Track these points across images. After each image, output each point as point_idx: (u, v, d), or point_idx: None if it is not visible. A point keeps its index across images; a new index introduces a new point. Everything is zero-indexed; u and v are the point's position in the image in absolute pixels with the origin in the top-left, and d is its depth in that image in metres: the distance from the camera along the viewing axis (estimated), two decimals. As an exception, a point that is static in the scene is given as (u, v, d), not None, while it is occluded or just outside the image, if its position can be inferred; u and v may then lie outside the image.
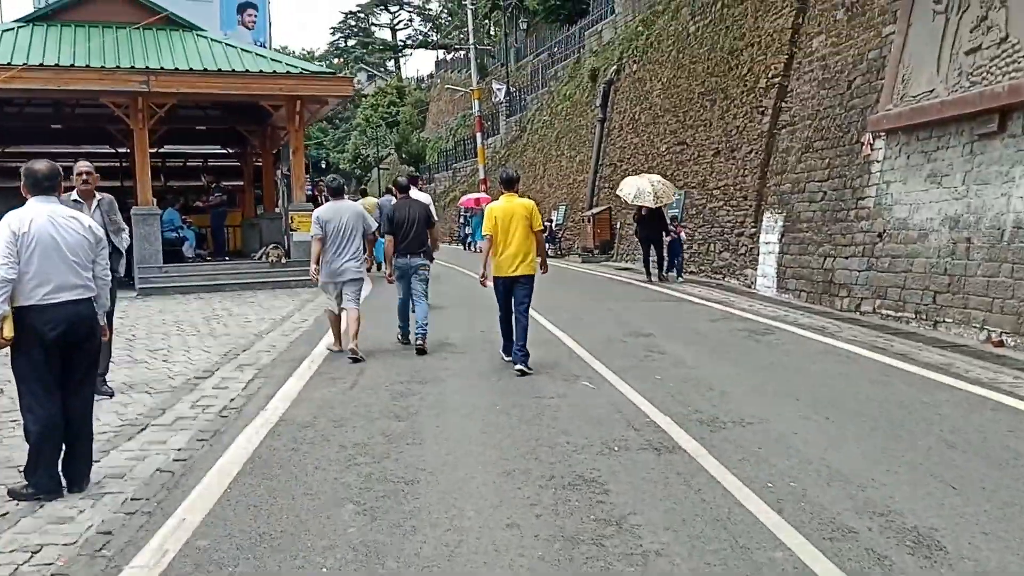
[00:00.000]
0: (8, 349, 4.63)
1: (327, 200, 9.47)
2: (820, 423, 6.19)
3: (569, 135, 28.79)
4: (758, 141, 15.71)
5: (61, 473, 4.84)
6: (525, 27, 39.99)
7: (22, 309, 4.56)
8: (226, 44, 16.49)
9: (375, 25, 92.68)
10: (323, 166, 68.41)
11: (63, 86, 14.30)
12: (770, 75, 15.64)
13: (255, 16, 25.12)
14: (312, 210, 15.89)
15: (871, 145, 12.23)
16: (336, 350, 9.25)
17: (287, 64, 16.04)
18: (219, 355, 9.29)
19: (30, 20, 16.05)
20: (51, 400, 4.66)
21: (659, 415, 6.41)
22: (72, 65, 14.50)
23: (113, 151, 21.03)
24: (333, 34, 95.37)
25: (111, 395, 7.24)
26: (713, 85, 18.17)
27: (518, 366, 8.14)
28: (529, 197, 9.98)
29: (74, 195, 6.90)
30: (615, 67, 24.92)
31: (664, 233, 16.87)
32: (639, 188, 16.63)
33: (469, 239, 30.61)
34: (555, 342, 9.85)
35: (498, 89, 37.87)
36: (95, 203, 7.14)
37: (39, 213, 4.64)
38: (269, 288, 15.65)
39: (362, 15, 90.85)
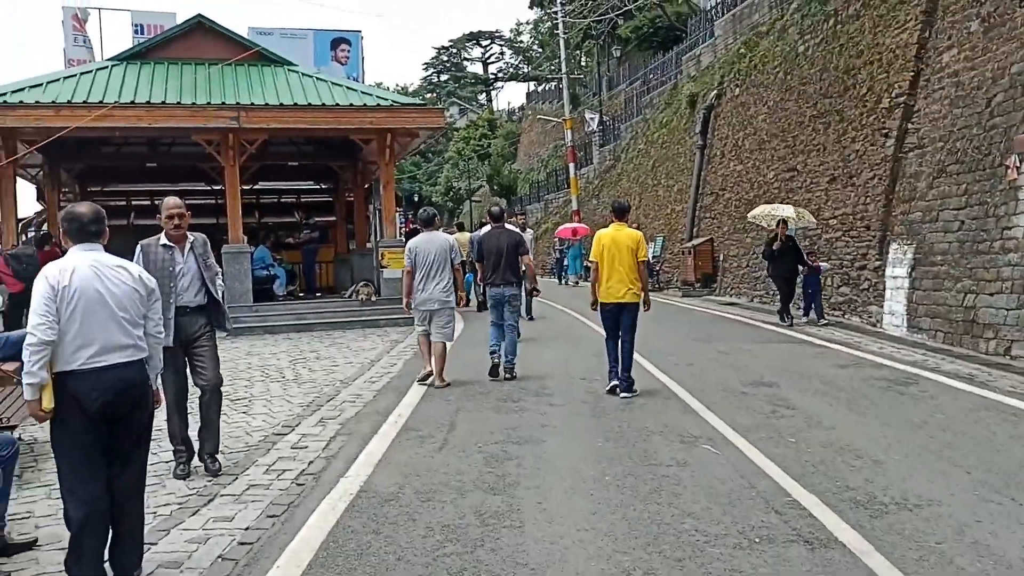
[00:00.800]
0: (48, 422, 4.00)
1: (418, 231, 9.82)
2: (1007, 507, 5.06)
3: (666, 164, 27.75)
4: (881, 166, 14.42)
5: (108, 563, 4.16)
6: (618, 55, 39.19)
7: (62, 375, 3.91)
8: (317, 78, 16.23)
9: (467, 60, 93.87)
10: (416, 200, 69.08)
11: (154, 123, 14.19)
12: (894, 94, 14.36)
13: (348, 52, 25.10)
14: (403, 245, 15.45)
15: (1018, 168, 10.88)
16: (427, 373, 9.47)
17: (377, 97, 15.64)
18: (301, 406, 8.64)
19: (124, 58, 16.10)
20: (96, 480, 3.99)
21: (802, 492, 5.38)
22: (163, 102, 14.38)
23: (208, 188, 21.10)
24: (426, 70, 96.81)
25: (217, 472, 6.20)
26: (827, 107, 16.93)
27: (623, 394, 8.57)
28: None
29: (162, 239, 6.03)
30: (715, 92, 23.83)
31: (800, 267, 14.84)
32: (774, 211, 15.40)
33: (564, 272, 29.57)
34: (664, 392, 8.87)
35: (591, 118, 37.11)
36: (188, 245, 6.11)
37: (82, 263, 3.99)
38: (359, 327, 15.12)
39: (454, 50, 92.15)
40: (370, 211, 23.87)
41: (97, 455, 4.00)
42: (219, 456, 6.35)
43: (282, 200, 23.92)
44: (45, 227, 23.82)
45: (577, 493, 5.50)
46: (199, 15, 16.28)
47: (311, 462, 6.48)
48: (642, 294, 8.81)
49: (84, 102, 13.90)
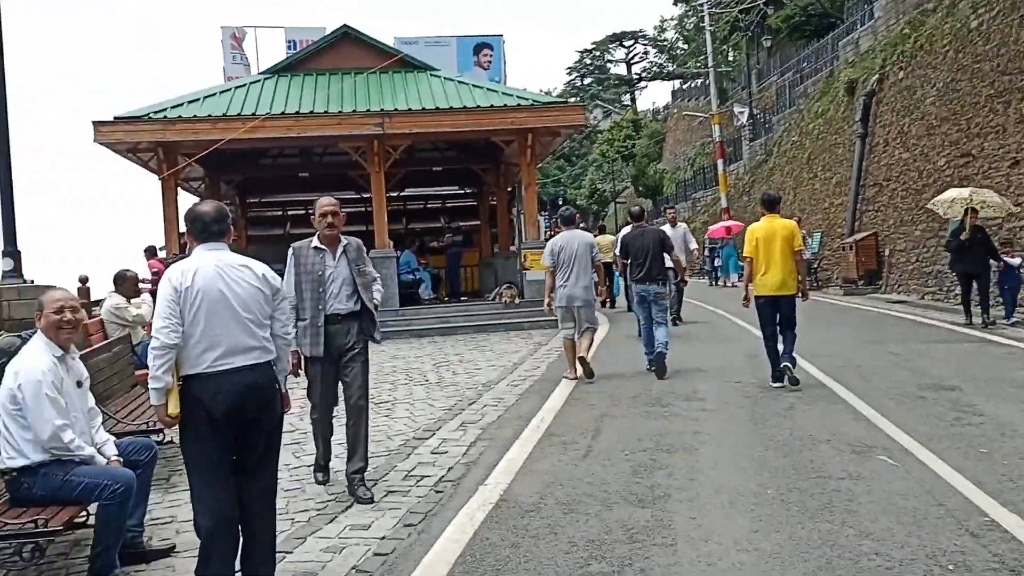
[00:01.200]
0: (178, 427, 3.89)
1: (559, 231, 10.04)
2: None
3: (823, 155, 26.28)
4: (1074, 145, 12.94)
5: (240, 573, 4.01)
6: (768, 46, 37.60)
7: (188, 379, 3.79)
8: (458, 82, 16.23)
9: (610, 62, 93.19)
10: (560, 203, 69.03)
11: (303, 133, 14.56)
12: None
13: (491, 56, 25.19)
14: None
15: None
16: (572, 378, 9.53)
17: (518, 96, 15.47)
18: (443, 410, 8.47)
19: (275, 72, 16.67)
20: (223, 487, 3.84)
21: (1001, 511, 4.67)
22: (311, 112, 14.75)
23: (358, 196, 21.60)
24: (569, 74, 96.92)
25: (371, 501, 5.50)
26: (1006, 85, 15.42)
27: (784, 377, 8.57)
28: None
29: (315, 241, 5.68)
30: (876, 77, 22.32)
31: (993, 260, 13.06)
32: (959, 195, 13.54)
33: (718, 273, 28.23)
34: (830, 396, 8.13)
35: (740, 112, 35.79)
36: (340, 248, 5.68)
37: (205, 263, 3.86)
38: (502, 330, 14.95)
39: (597, 52, 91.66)
40: (513, 214, 23.82)
41: (224, 461, 3.86)
42: (368, 481, 5.75)
43: (428, 206, 24.22)
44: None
45: (735, 508, 4.98)
46: (345, 26, 16.64)
47: (450, 468, 6.24)
48: (800, 285, 8.77)
49: (238, 115, 14.45)
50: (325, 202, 5.73)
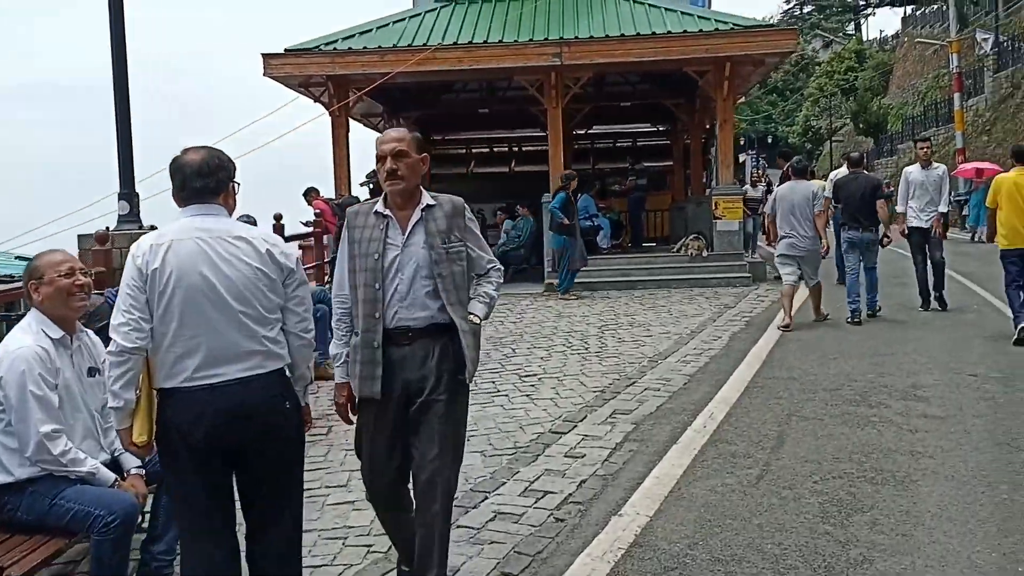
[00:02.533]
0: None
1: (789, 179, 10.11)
2: None
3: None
4: None
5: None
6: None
7: (161, 394, 2.75)
8: (649, 5, 14.41)
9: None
10: (769, 141, 64.90)
11: (474, 65, 13.40)
12: None
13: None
14: (742, 193, 13.33)
15: None
16: (785, 327, 9.46)
17: (716, 20, 13.48)
18: (595, 391, 7.17)
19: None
20: (214, 539, 2.82)
21: None
22: (485, 42, 13.53)
23: (543, 134, 20.40)
24: (787, 1, 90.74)
25: None
26: None
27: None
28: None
29: (379, 204, 3.40)
30: None
31: None
32: None
33: (966, 223, 23.24)
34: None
35: (983, 39, 31.05)
36: (417, 214, 3.37)
37: (183, 235, 2.78)
38: (686, 287, 13.34)
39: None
40: (711, 154, 21.80)
41: (216, 508, 2.82)
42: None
43: (617, 144, 22.61)
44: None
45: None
46: (524, -54, 15.22)
47: (583, 481, 4.98)
48: None
49: (409, 46, 13.51)
50: (386, 138, 3.36)
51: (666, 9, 14.29)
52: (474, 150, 21.98)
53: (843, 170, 12.02)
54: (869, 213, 9.80)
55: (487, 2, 15.20)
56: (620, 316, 11.07)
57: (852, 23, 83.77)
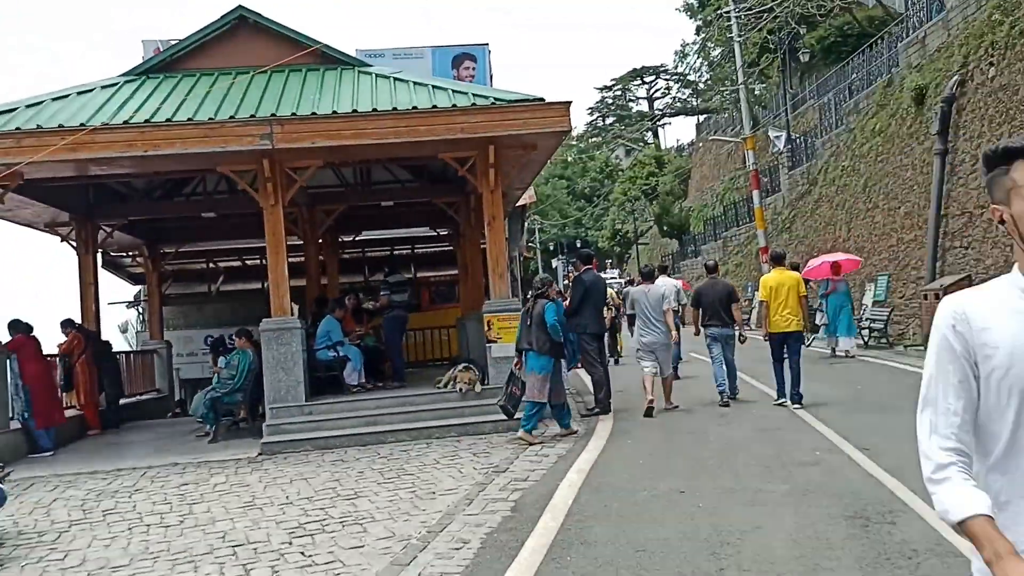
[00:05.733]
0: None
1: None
2: None
3: (884, 181, 21.34)
4: None
5: None
6: (805, 60, 32.84)
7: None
8: (395, 78, 11.57)
9: (632, 100, 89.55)
10: (578, 245, 64.44)
11: (152, 151, 9.84)
12: None
13: (474, 69, 20.56)
14: (518, 309, 10.49)
15: None
16: (650, 403, 10.75)
17: (474, 95, 10.77)
18: None
19: (143, 72, 12.08)
20: None
21: None
22: (168, 120, 10.07)
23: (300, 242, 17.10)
24: (591, 114, 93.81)
25: None
26: None
27: (794, 405, 10.71)
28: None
29: None
30: (956, 79, 17.48)
31: None
32: None
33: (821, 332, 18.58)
34: None
35: (776, 137, 30.93)
36: None
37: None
38: (453, 435, 10.10)
39: (619, 90, 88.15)
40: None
41: None
42: None
43: (395, 252, 19.56)
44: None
45: None
46: (240, 7, 12.00)
47: None
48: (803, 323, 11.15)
49: (60, 127, 9.82)
50: None
51: (416, 83, 11.44)
52: (221, 264, 18.20)
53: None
54: (727, 313, 11.72)
55: (188, 76, 11.78)
56: (338, 499, 7.55)
57: (651, 132, 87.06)
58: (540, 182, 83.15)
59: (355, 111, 10.36)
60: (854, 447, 8.12)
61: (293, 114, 10.30)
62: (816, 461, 7.74)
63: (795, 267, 12.67)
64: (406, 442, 9.94)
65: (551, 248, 77.03)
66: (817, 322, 18.52)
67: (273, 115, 10.22)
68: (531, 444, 9.30)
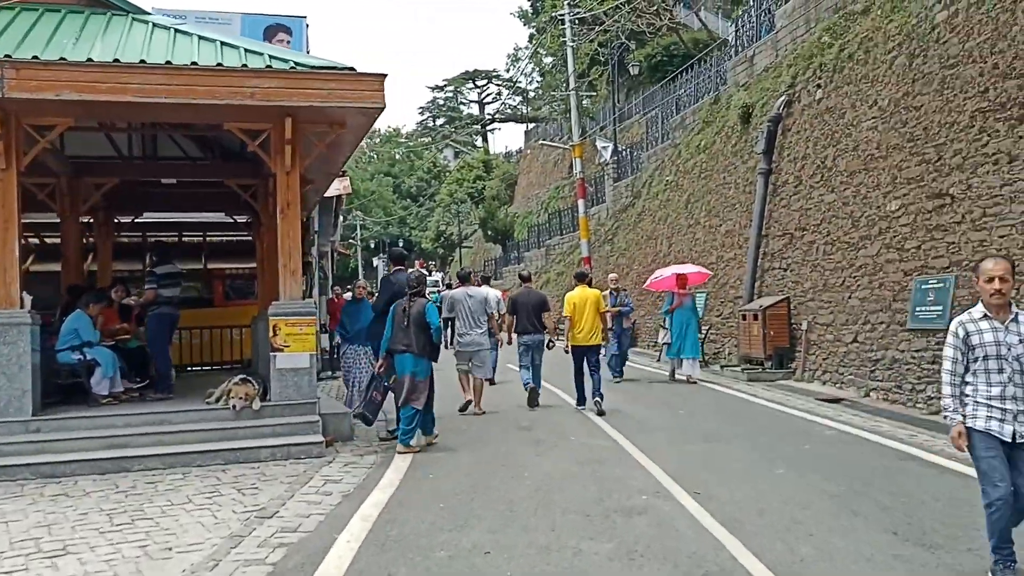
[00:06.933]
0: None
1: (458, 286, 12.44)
2: None
3: (707, 197, 21.23)
4: None
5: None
6: (634, 73, 32.92)
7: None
8: (177, 30, 9.63)
9: (463, 103, 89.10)
10: (401, 245, 62.77)
11: None
12: None
13: (289, 41, 18.61)
14: (311, 311, 8.92)
15: None
16: (467, 401, 11.68)
17: (271, 57, 9.07)
18: None
19: None
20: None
21: None
22: None
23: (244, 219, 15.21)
24: (422, 113, 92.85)
25: None
26: (1013, 93, 10.42)
27: (596, 399, 11.56)
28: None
29: None
30: (783, 99, 17.41)
31: None
32: None
33: (663, 353, 17.45)
34: None
35: (603, 147, 30.72)
36: None
37: None
38: (220, 462, 8.34)
39: (450, 91, 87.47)
40: (310, 254, 17.46)
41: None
42: None
43: (184, 238, 17.27)
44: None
45: None
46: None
47: None
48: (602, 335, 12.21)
49: None
50: None
51: (202, 38, 9.55)
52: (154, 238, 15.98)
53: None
54: (539, 321, 12.43)
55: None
56: (36, 558, 5.69)
57: (481, 136, 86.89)
58: (365, 177, 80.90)
59: (116, 61, 8.39)
60: (684, 490, 7.14)
61: (35, 57, 8.20)
62: (643, 508, 6.67)
63: (588, 281, 12.38)
64: (158, 471, 8.10)
65: (372, 246, 74.89)
66: (660, 340, 17.91)
67: (8, 56, 8.08)
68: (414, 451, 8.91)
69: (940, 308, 11.21)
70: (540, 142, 43.90)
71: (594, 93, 43.52)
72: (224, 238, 17.40)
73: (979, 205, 10.85)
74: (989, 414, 4.82)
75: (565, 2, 29.30)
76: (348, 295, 15.00)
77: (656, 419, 11.24)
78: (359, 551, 5.59)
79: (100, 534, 6.14)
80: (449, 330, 17.45)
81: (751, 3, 22.31)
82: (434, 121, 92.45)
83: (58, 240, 12.84)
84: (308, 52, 18.71)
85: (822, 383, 14.22)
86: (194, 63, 8.59)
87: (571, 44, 27.00)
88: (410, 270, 10.64)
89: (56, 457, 8.10)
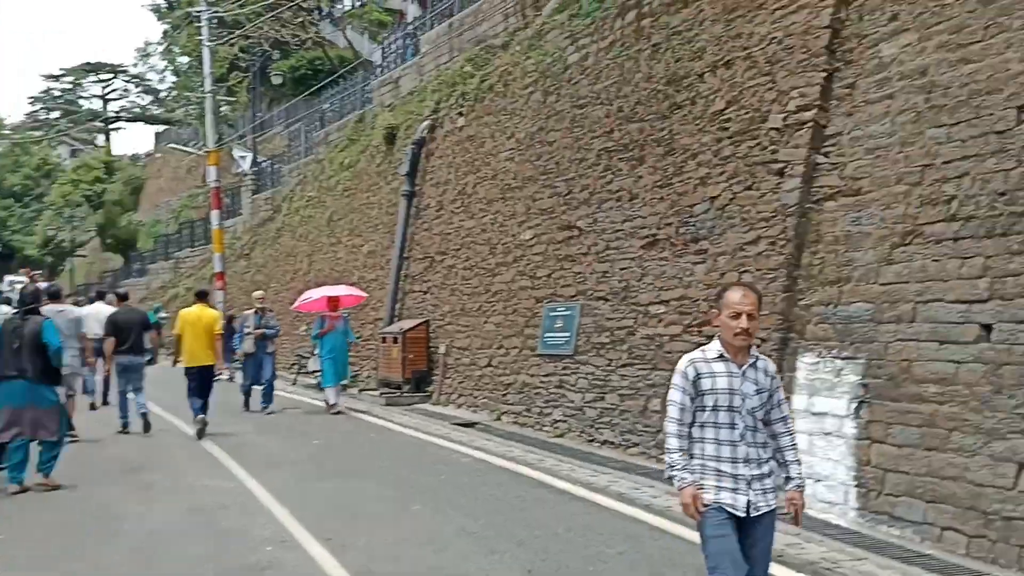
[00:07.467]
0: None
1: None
2: None
3: (350, 216, 20.80)
4: (774, 223, 8.77)
5: None
6: (268, 101, 31.70)
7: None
8: None
9: (83, 97, 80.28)
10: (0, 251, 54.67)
11: None
12: (788, 107, 8.87)
13: None
14: None
15: None
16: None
17: None
18: None
19: None
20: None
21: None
22: None
23: None
24: (33, 104, 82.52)
25: None
26: (636, 135, 11.21)
27: (200, 416, 11.39)
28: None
29: None
30: (427, 124, 17.53)
31: None
32: None
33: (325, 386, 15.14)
34: None
35: (241, 157, 29.05)
36: None
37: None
38: None
39: (69, 83, 78.58)
40: None
41: None
42: None
43: None
44: None
45: None
46: None
47: None
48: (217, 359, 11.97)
49: None
50: None
51: None
52: None
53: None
54: (141, 341, 11.97)
55: None
56: None
57: (103, 134, 78.96)
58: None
59: None
60: (314, 537, 6.44)
61: None
62: (268, 563, 5.87)
63: (208, 300, 13.30)
64: None
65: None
66: (310, 368, 16.75)
67: None
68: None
69: (567, 335, 11.70)
70: (171, 146, 40.63)
71: (234, 99, 41.32)
72: None
73: (603, 239, 11.51)
74: (719, 483, 3.86)
75: (203, 0, 27.34)
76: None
77: (288, 452, 10.42)
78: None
79: None
80: None
81: (397, 26, 22.40)
82: (48, 114, 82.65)
83: None
84: None
85: (457, 407, 14.33)
86: None
87: (208, 44, 25.14)
88: (27, 285, 10.06)
89: None
